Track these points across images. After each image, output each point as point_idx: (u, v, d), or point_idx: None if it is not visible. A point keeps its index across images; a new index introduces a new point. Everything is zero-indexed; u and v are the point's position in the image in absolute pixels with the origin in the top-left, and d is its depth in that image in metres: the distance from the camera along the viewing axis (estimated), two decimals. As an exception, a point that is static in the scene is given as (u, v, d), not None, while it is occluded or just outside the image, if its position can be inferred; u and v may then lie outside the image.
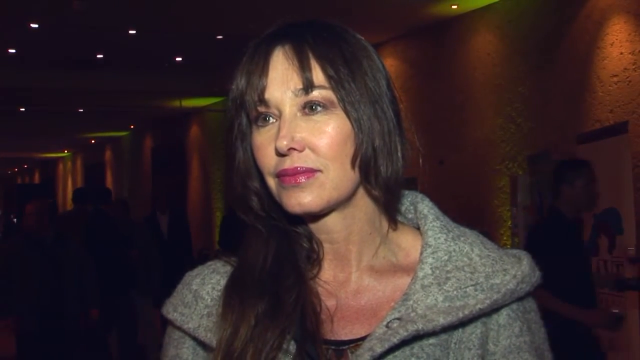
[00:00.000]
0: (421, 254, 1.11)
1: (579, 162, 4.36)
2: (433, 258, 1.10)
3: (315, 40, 1.07)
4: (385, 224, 1.14)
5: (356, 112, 1.05)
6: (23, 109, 12.97)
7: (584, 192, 4.13)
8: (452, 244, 1.11)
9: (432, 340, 1.05)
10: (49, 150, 22.75)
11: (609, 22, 5.83)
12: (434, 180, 7.39)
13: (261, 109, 1.07)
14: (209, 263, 1.19)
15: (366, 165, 1.06)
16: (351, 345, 1.08)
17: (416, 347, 1.04)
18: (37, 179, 29.03)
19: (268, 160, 1.07)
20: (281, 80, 1.06)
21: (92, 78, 10.54)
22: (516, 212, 6.32)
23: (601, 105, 5.89)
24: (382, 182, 1.08)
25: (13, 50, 9.16)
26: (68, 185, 22.99)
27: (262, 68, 1.07)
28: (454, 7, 7.32)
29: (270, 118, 1.08)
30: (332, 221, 1.11)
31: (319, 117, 1.05)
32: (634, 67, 5.62)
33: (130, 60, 9.81)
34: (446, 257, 1.09)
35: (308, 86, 1.05)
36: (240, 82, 1.09)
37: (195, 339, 1.13)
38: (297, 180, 1.05)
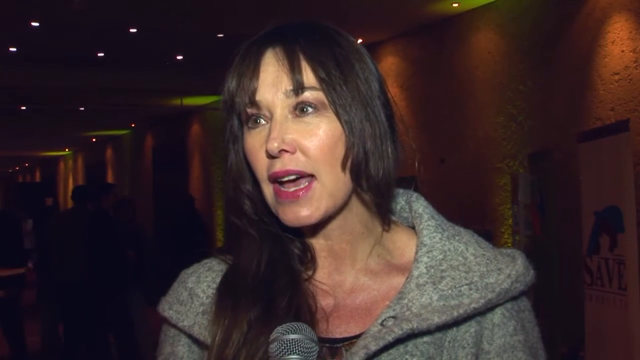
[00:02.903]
0: (416, 253, 1.11)
1: None
2: (428, 257, 1.09)
3: (307, 42, 1.06)
4: (378, 225, 1.13)
5: (347, 115, 1.05)
6: (24, 108, 12.96)
7: None
8: (447, 243, 1.11)
9: (426, 339, 1.05)
10: (49, 148, 22.76)
11: (610, 20, 5.81)
12: (435, 179, 7.38)
13: (252, 110, 1.07)
14: (205, 261, 1.19)
15: (357, 168, 1.06)
16: (345, 342, 1.08)
17: (410, 345, 1.04)
18: (38, 177, 29.06)
19: (260, 164, 1.06)
20: (272, 82, 1.05)
21: (93, 76, 10.53)
22: (517, 211, 6.30)
23: (602, 103, 5.88)
24: (374, 185, 1.07)
25: (14, 49, 9.15)
26: (69, 184, 22.98)
27: (253, 70, 1.06)
28: (455, 5, 7.30)
29: (261, 120, 1.07)
30: (325, 226, 1.11)
31: (309, 119, 1.05)
32: (635, 65, 5.61)
33: (131, 58, 9.80)
34: (441, 256, 1.09)
35: (298, 87, 1.04)
36: (231, 84, 1.08)
37: (190, 336, 1.13)
38: (295, 196, 1.04)
